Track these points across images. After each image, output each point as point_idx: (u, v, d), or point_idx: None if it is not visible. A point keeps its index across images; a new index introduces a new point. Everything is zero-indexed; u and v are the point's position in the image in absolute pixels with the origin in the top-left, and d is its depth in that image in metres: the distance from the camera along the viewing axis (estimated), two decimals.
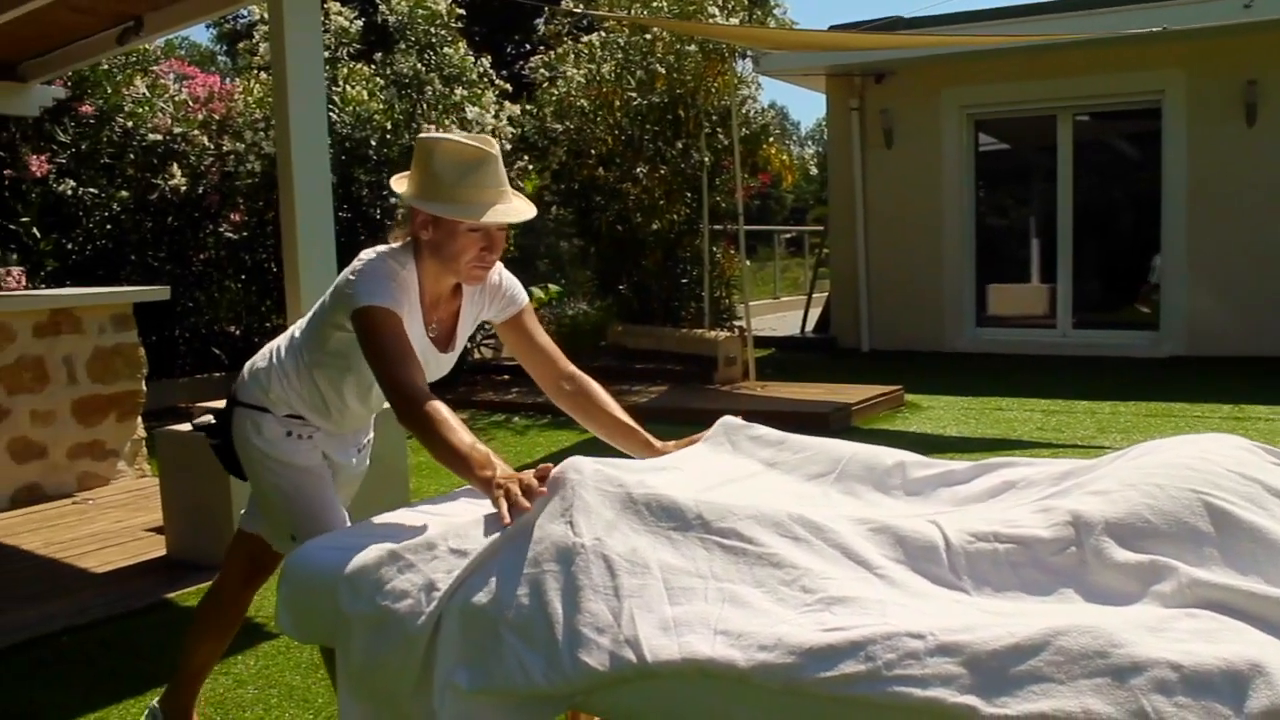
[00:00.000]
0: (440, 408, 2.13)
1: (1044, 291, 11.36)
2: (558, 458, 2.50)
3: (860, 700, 1.43)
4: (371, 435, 2.88)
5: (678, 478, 2.08)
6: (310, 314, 2.58)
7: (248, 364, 2.69)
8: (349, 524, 2.56)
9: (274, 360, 2.60)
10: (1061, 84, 10.51)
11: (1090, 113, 10.96)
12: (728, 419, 2.41)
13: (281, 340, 2.67)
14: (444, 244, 2.32)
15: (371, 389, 2.50)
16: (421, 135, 2.44)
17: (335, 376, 2.51)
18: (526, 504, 1.90)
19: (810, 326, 13.22)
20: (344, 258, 5.27)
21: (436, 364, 2.51)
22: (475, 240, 2.31)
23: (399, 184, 2.40)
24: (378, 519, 2.24)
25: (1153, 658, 1.33)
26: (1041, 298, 11.39)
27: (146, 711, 3.03)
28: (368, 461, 2.87)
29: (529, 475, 1.99)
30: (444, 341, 2.52)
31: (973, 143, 11.41)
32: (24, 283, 8.10)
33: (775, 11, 11.55)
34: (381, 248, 2.43)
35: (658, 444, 2.54)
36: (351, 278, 2.33)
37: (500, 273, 2.57)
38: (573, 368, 2.68)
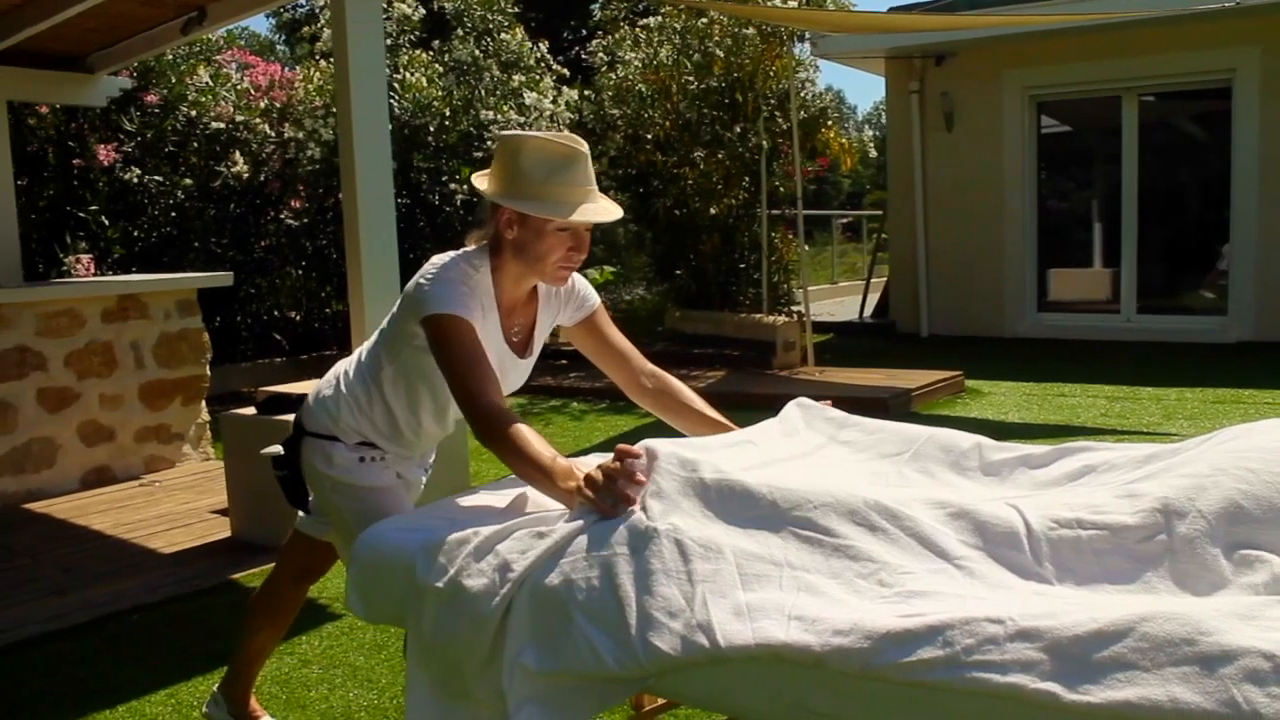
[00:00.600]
0: (520, 426, 2.07)
1: (1107, 276, 11.17)
2: (616, 442, 2.49)
3: (937, 686, 1.41)
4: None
5: (751, 453, 2.06)
6: (378, 331, 2.50)
7: (312, 392, 2.61)
8: None
9: (341, 387, 2.52)
10: (1127, 64, 10.30)
11: (1156, 93, 10.73)
12: (802, 399, 2.37)
13: (347, 365, 2.58)
14: (530, 244, 2.25)
15: (448, 408, 2.43)
16: (505, 133, 2.36)
17: (409, 395, 2.43)
18: (632, 495, 1.84)
19: (869, 311, 13.11)
20: (403, 244, 5.32)
21: (515, 370, 2.45)
22: (563, 240, 2.24)
23: (480, 181, 2.32)
24: (445, 501, 2.24)
25: (1244, 646, 1.29)
26: (1104, 282, 11.19)
27: (210, 697, 3.08)
28: (427, 475, 2.82)
29: (609, 465, 1.89)
30: (523, 346, 2.45)
31: (1035, 125, 11.22)
32: (92, 269, 8.28)
33: None
34: (455, 251, 2.36)
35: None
36: (423, 283, 2.25)
37: (572, 284, 2.49)
38: (652, 365, 2.60)
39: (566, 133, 2.34)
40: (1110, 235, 11.07)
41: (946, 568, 1.62)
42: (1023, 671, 1.35)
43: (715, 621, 1.57)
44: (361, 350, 2.56)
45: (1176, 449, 1.94)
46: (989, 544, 1.68)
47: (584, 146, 2.26)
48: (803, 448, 2.20)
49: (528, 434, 2.05)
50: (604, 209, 2.26)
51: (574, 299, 2.52)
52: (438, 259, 2.32)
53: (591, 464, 1.96)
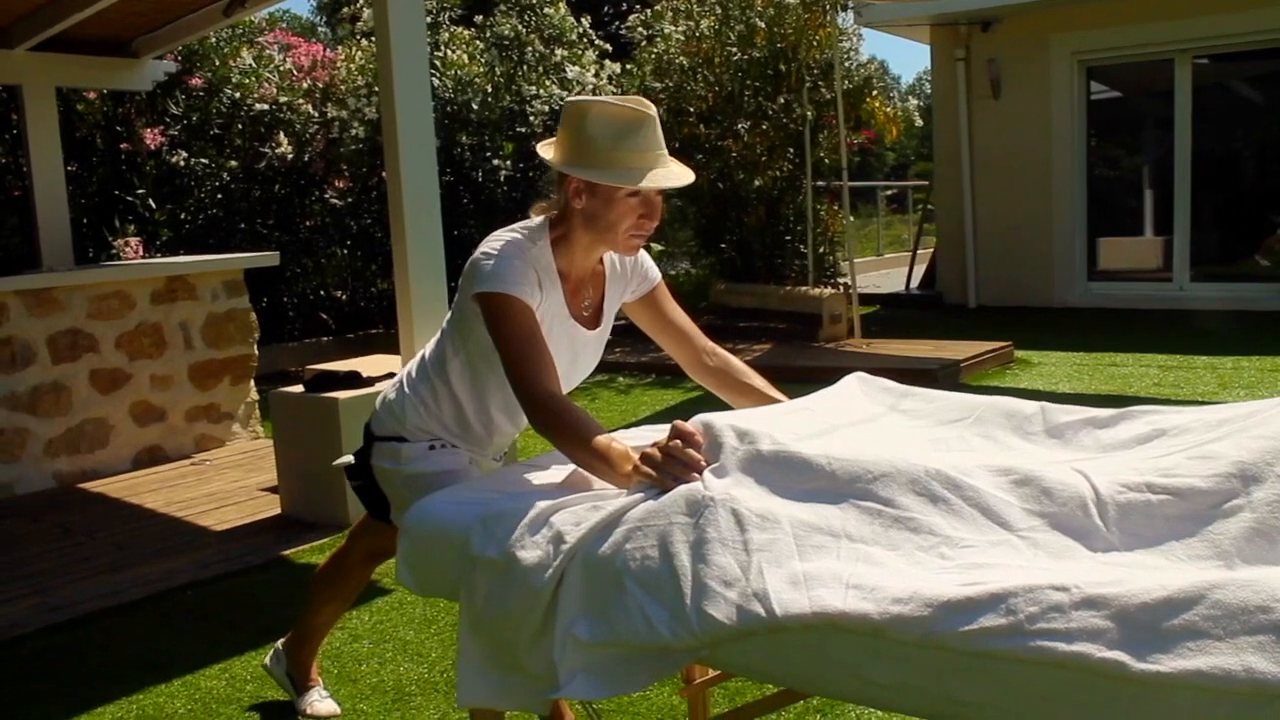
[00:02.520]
0: (576, 412, 2.03)
1: (1158, 244, 10.96)
2: (663, 416, 2.46)
3: (999, 655, 1.37)
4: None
5: (808, 421, 2.02)
6: (442, 327, 2.44)
7: (379, 398, 2.55)
8: None
9: (405, 389, 2.45)
10: (1180, 25, 10.06)
11: (1211, 55, 10.47)
12: (859, 373, 2.33)
13: (410, 367, 2.52)
14: (600, 213, 2.17)
15: (512, 398, 2.26)
16: (571, 98, 2.28)
17: (476, 386, 2.37)
18: (695, 474, 1.79)
19: (915, 283, 12.97)
20: (448, 221, 5.30)
21: (587, 347, 2.38)
22: (634, 207, 2.16)
23: (546, 150, 2.24)
24: (495, 474, 2.23)
25: None
26: (1155, 251, 10.98)
27: (271, 651, 3.10)
28: (502, 459, 2.69)
29: (666, 443, 1.86)
30: (593, 320, 2.38)
31: (1084, 91, 11.01)
32: (141, 252, 8.37)
33: None
34: (516, 226, 2.28)
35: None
36: (479, 258, 2.19)
37: (641, 261, 2.45)
38: (712, 343, 2.52)
39: (634, 96, 2.25)
40: (1162, 203, 10.85)
41: (1010, 539, 1.57)
42: (1089, 640, 1.31)
43: (771, 590, 1.54)
44: (425, 349, 2.49)
45: (1252, 410, 1.87)
46: (1054, 511, 1.63)
47: (652, 109, 2.17)
48: (860, 415, 2.16)
49: (584, 420, 2.01)
50: (676, 174, 2.18)
51: (639, 272, 2.45)
52: (497, 233, 2.25)
53: (645, 439, 1.92)
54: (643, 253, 2.42)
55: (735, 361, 2.49)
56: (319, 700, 3.01)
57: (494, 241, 2.22)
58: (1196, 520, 1.55)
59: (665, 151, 2.18)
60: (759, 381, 2.45)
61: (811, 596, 1.50)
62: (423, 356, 2.48)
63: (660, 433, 2.01)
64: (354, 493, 2.64)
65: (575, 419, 2.01)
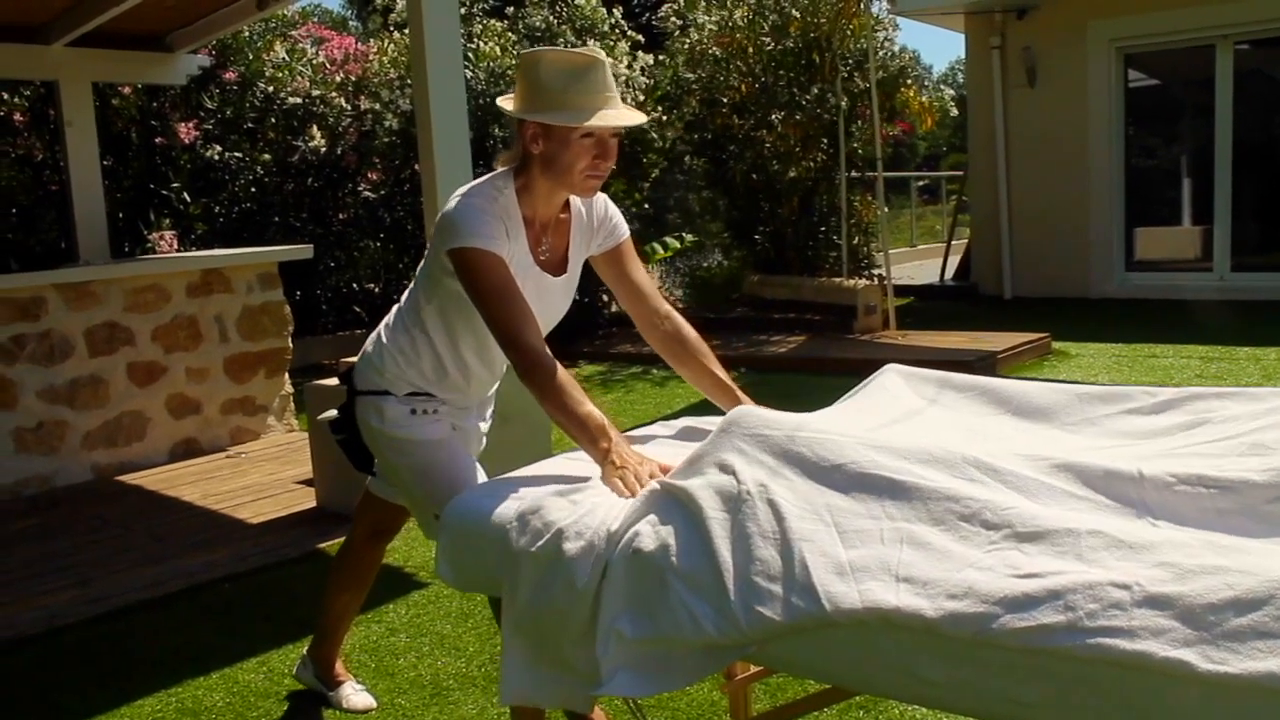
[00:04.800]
0: (559, 372, 2.12)
1: (1197, 234, 10.79)
2: (698, 409, 2.43)
3: (1058, 653, 1.33)
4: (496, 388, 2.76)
5: (840, 421, 1.99)
6: (415, 276, 2.51)
7: (360, 353, 2.63)
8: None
9: (384, 339, 2.54)
10: (1221, 10, 9.89)
11: (1253, 40, 10.29)
12: (894, 365, 2.30)
13: (387, 319, 2.60)
14: (557, 155, 2.23)
15: (490, 345, 2.40)
16: (524, 51, 2.37)
17: (449, 333, 2.44)
18: (639, 489, 1.89)
19: (950, 274, 12.85)
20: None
21: (551, 293, 2.42)
22: (588, 148, 2.23)
23: (505, 103, 2.32)
24: (532, 468, 2.21)
25: None
26: (1195, 240, 10.82)
27: (299, 660, 3.11)
28: (487, 423, 2.77)
29: (651, 466, 1.97)
30: (556, 266, 2.43)
31: (1122, 78, 10.85)
32: (175, 245, 8.41)
33: None
34: (483, 178, 2.35)
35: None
36: (448, 211, 2.27)
37: (606, 201, 2.52)
38: (669, 308, 2.56)
39: (587, 45, 2.29)
40: (1201, 192, 10.68)
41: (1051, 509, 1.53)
42: (1152, 638, 1.27)
43: (818, 583, 1.51)
44: (400, 301, 2.56)
45: None
46: (1096, 496, 1.59)
47: (602, 55, 2.26)
48: (894, 413, 2.12)
49: (566, 382, 2.12)
50: (625, 114, 2.25)
51: (605, 225, 2.50)
52: (466, 187, 2.33)
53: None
54: (613, 208, 2.53)
55: (689, 332, 2.53)
56: (353, 694, 3.01)
57: (464, 196, 2.29)
58: (1251, 515, 1.51)
59: (616, 95, 2.26)
60: (708, 357, 2.51)
61: (861, 590, 1.47)
62: (398, 308, 2.56)
63: (705, 424, 1.99)
64: (338, 446, 2.71)
65: (559, 381, 2.12)
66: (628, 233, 2.56)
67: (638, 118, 2.31)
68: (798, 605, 1.50)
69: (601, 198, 2.50)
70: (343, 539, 4.41)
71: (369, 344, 2.58)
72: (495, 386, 2.69)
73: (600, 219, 2.49)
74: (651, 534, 1.70)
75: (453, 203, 2.29)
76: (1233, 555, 1.34)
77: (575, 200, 2.44)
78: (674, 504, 1.75)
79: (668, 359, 2.56)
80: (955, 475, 1.62)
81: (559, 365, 2.16)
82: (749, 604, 1.54)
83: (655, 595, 1.64)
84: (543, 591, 1.76)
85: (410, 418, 2.47)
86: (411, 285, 2.53)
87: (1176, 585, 1.30)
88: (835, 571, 1.51)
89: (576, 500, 1.85)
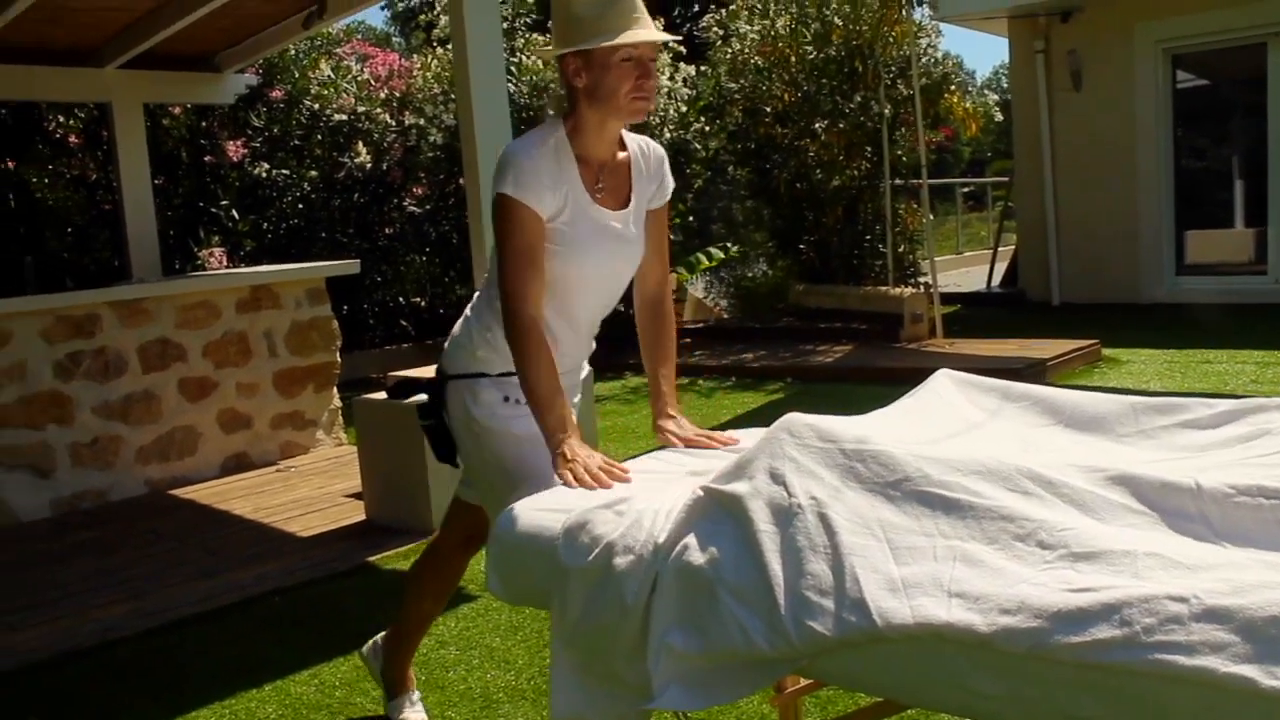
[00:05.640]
0: (546, 351, 2.24)
1: (1250, 236, 10.62)
2: (744, 420, 2.42)
3: (1114, 669, 1.31)
4: (588, 371, 2.75)
5: (894, 429, 1.98)
6: (493, 250, 2.51)
7: (449, 340, 2.62)
8: None
9: (470, 322, 2.55)
10: (1271, 7, 9.72)
11: None
12: (946, 371, 2.28)
13: (472, 301, 2.62)
14: (600, 83, 2.27)
15: (572, 304, 2.43)
16: None
17: None
18: (591, 484, 2.03)
19: (996, 281, 12.74)
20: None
21: (613, 230, 2.41)
22: (629, 70, 2.26)
23: (543, 52, 2.40)
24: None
25: None
26: (1247, 243, 10.65)
27: (370, 642, 3.08)
28: (577, 398, 2.69)
29: (598, 459, 2.10)
30: (618, 202, 2.43)
31: (1169, 80, 10.71)
32: (225, 262, 8.53)
33: None
34: (538, 127, 2.39)
35: (670, 424, 2.52)
36: (500, 156, 2.32)
37: (663, 155, 2.56)
38: (669, 289, 2.66)
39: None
40: (1254, 193, 10.51)
41: (1109, 530, 1.51)
42: (1213, 653, 1.25)
43: (870, 598, 1.49)
44: (483, 282, 2.60)
45: None
46: (1155, 512, 1.56)
47: None
48: (950, 426, 2.10)
49: (547, 362, 2.24)
50: (659, 33, 2.31)
51: (658, 176, 2.54)
52: (521, 137, 2.37)
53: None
54: (666, 165, 2.56)
55: (668, 324, 2.64)
56: (409, 708, 3.01)
57: (515, 142, 2.35)
58: None
59: (647, 17, 2.30)
60: (663, 358, 2.62)
61: (913, 606, 1.46)
62: (481, 289, 2.60)
63: (752, 436, 1.99)
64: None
65: (544, 360, 2.24)
66: (669, 195, 2.61)
67: (671, 36, 2.46)
68: (849, 620, 1.49)
69: (659, 149, 2.55)
70: (392, 551, 4.46)
71: (457, 328, 2.60)
72: (586, 356, 2.67)
73: (656, 167, 2.53)
74: (700, 547, 1.69)
75: (505, 150, 2.33)
76: None
77: (632, 143, 2.48)
78: (722, 514, 1.74)
79: (639, 321, 2.65)
80: (1009, 488, 1.60)
81: (547, 345, 2.26)
82: (799, 618, 1.53)
83: (705, 609, 1.64)
84: (592, 607, 1.76)
85: (503, 406, 2.45)
86: (491, 260, 2.53)
87: (1236, 598, 1.28)
88: (887, 587, 1.50)
89: (622, 511, 1.84)
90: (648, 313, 2.64)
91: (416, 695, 3.05)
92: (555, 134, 2.34)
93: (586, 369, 2.74)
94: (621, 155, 2.46)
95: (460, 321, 2.61)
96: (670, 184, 2.59)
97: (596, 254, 2.39)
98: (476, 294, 2.63)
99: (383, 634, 3.06)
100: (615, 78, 2.26)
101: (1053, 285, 11.27)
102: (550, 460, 2.23)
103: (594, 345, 2.65)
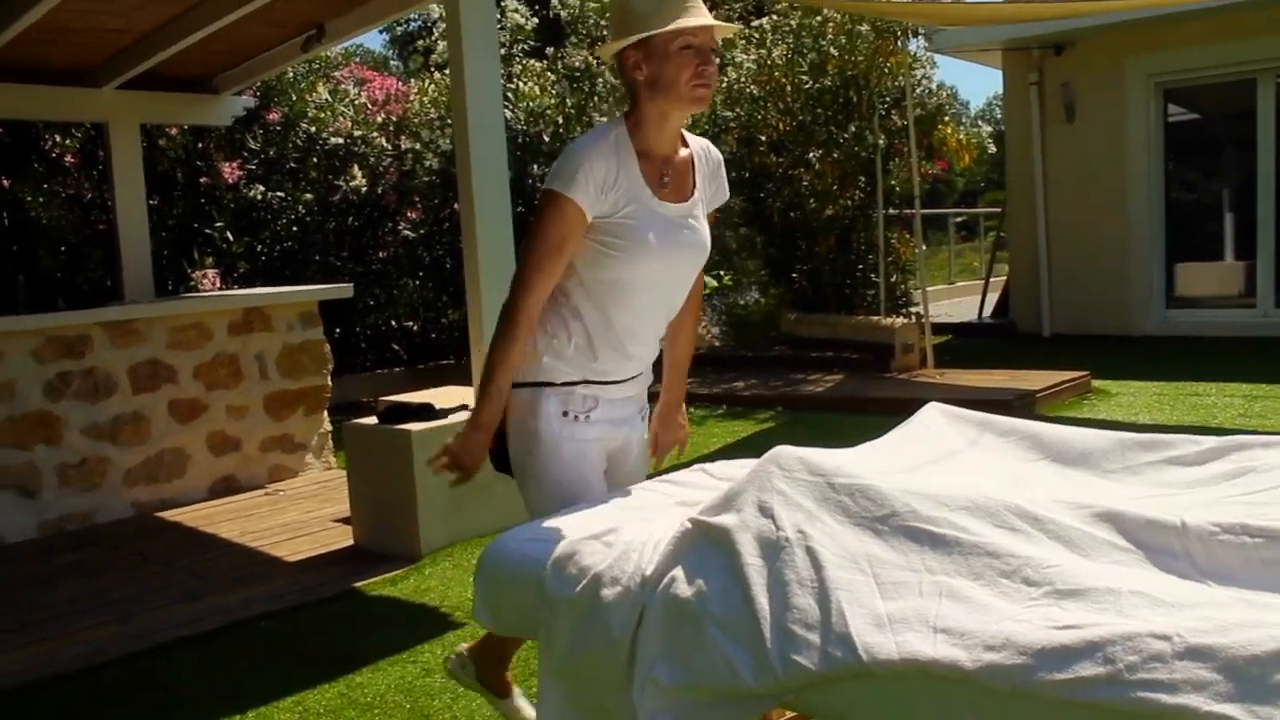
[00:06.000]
0: (513, 346, 2.31)
1: (1240, 269, 10.68)
2: (734, 449, 2.43)
3: (1098, 706, 1.31)
4: (650, 379, 2.68)
5: (878, 461, 1.98)
6: None
7: None
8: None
9: (536, 330, 2.46)
10: (1261, 44, 9.82)
11: None
12: (935, 404, 2.29)
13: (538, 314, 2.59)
14: (660, 73, 2.28)
15: (645, 307, 2.43)
16: None
17: (595, 295, 2.41)
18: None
19: (988, 311, 12.78)
20: (519, 252, 5.33)
21: (677, 222, 2.41)
22: (689, 59, 2.27)
23: (603, 50, 2.41)
24: (569, 510, 2.21)
25: None
26: (1237, 276, 10.71)
27: (454, 655, 2.92)
28: (644, 412, 2.68)
29: (477, 461, 2.30)
30: (682, 195, 2.44)
31: (1161, 113, 10.79)
32: (218, 284, 8.53)
33: None
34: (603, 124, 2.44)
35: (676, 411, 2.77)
36: (558, 161, 2.34)
37: (720, 159, 2.58)
38: (700, 286, 2.71)
39: None
40: (1244, 227, 10.58)
41: (1094, 567, 1.52)
42: (1195, 692, 1.26)
43: (855, 634, 1.50)
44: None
45: None
46: (1140, 549, 1.57)
47: None
48: (936, 452, 2.12)
49: (515, 355, 2.31)
50: (713, 19, 2.31)
51: (717, 175, 2.56)
52: (581, 137, 2.39)
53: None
54: (723, 169, 2.58)
55: (688, 327, 2.73)
56: (525, 706, 2.85)
57: (577, 142, 2.35)
58: None
59: (703, 6, 2.32)
60: (677, 355, 2.77)
61: (899, 641, 1.46)
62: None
63: (741, 468, 1.99)
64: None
65: (506, 351, 2.30)
66: (723, 201, 2.62)
67: (732, 27, 2.44)
68: (834, 655, 1.49)
69: (717, 152, 2.58)
70: (380, 576, 4.44)
71: None
72: (652, 361, 2.63)
73: (715, 168, 2.55)
74: (688, 579, 1.69)
75: (568, 148, 2.35)
76: (1271, 612, 1.32)
77: (694, 142, 2.50)
78: (709, 546, 1.74)
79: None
80: (997, 525, 1.61)
81: (525, 345, 2.34)
82: (785, 652, 1.53)
83: (692, 642, 1.64)
84: (580, 639, 1.76)
85: (560, 421, 2.43)
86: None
87: (1218, 637, 1.29)
88: (873, 623, 1.50)
89: (610, 542, 1.85)
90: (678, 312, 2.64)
91: (520, 691, 2.90)
92: (616, 130, 2.36)
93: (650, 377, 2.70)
94: (684, 152, 2.47)
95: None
96: (726, 189, 2.61)
97: (664, 247, 2.37)
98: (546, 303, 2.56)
99: (465, 645, 2.92)
100: (675, 66, 2.27)
101: (1044, 316, 11.31)
102: (589, 484, 2.37)
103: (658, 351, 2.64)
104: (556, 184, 2.28)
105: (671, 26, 2.24)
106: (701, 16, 2.29)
